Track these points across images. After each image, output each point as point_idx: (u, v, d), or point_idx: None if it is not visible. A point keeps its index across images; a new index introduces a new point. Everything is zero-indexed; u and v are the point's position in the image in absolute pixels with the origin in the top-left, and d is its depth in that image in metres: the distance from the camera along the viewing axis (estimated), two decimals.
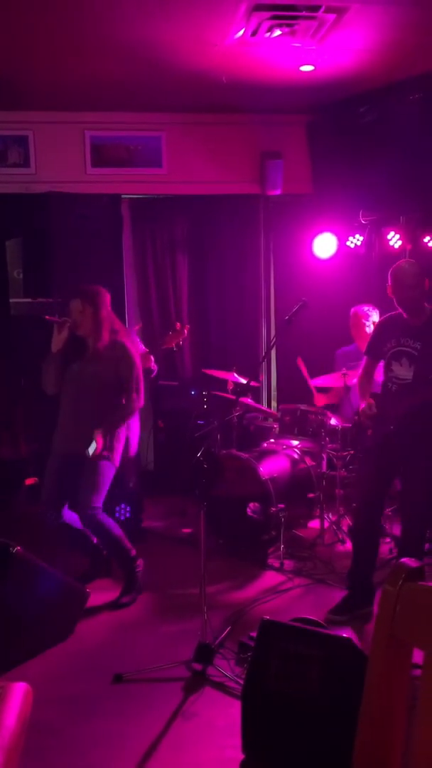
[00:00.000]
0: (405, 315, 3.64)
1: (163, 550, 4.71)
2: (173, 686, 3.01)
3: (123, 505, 4.74)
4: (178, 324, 4.59)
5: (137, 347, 4.28)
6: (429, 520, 3.85)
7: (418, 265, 3.68)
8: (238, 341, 6.29)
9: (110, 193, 5.85)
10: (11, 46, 4.36)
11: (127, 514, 4.76)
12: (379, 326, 3.92)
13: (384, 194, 5.28)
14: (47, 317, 3.92)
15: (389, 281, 3.66)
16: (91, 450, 3.68)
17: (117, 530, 3.85)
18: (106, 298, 3.95)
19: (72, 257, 5.44)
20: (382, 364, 3.82)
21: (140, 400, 3.90)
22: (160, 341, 4.82)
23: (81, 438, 3.74)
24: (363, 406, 3.76)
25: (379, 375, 3.93)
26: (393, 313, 3.75)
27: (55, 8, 3.81)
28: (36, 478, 5.20)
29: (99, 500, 3.78)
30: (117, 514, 4.68)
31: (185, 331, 4.59)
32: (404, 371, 3.61)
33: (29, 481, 5.21)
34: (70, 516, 3.90)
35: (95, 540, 4.01)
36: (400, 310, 3.66)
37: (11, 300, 5.66)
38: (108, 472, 3.82)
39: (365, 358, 3.96)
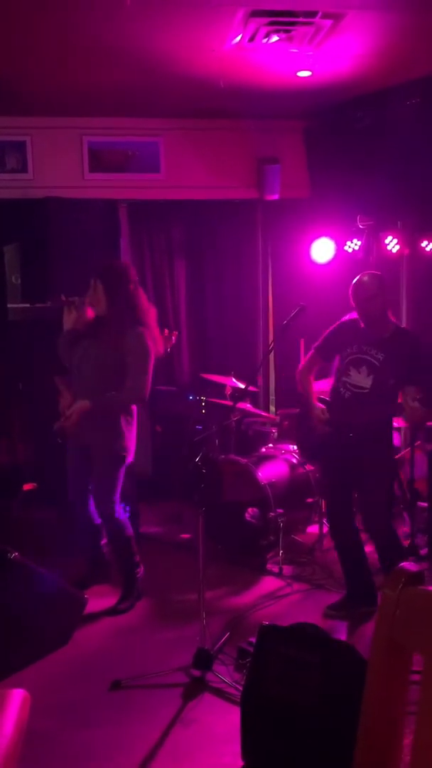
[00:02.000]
0: (367, 329, 3.60)
1: (161, 555, 4.69)
2: (172, 692, 3.00)
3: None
4: (166, 330, 4.58)
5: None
6: (393, 523, 3.86)
7: (378, 276, 3.65)
8: (236, 346, 6.28)
9: (108, 198, 5.84)
10: (9, 52, 4.36)
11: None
12: (339, 328, 3.78)
13: (381, 199, 5.27)
14: (59, 299, 3.93)
15: (350, 297, 3.61)
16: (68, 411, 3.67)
17: (129, 531, 3.91)
18: (125, 275, 3.76)
19: (70, 262, 5.42)
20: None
21: (142, 392, 3.69)
22: None
23: (81, 428, 3.70)
24: (314, 410, 3.79)
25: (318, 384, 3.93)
26: (356, 316, 3.70)
27: (53, 14, 3.81)
28: (34, 484, 5.18)
29: (116, 497, 3.84)
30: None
31: (173, 338, 4.58)
32: (362, 379, 3.60)
33: (27, 487, 5.19)
34: (93, 512, 3.97)
35: (103, 542, 4.03)
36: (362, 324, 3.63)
37: (9, 305, 5.65)
38: (118, 469, 3.83)
39: (311, 352, 3.87)
